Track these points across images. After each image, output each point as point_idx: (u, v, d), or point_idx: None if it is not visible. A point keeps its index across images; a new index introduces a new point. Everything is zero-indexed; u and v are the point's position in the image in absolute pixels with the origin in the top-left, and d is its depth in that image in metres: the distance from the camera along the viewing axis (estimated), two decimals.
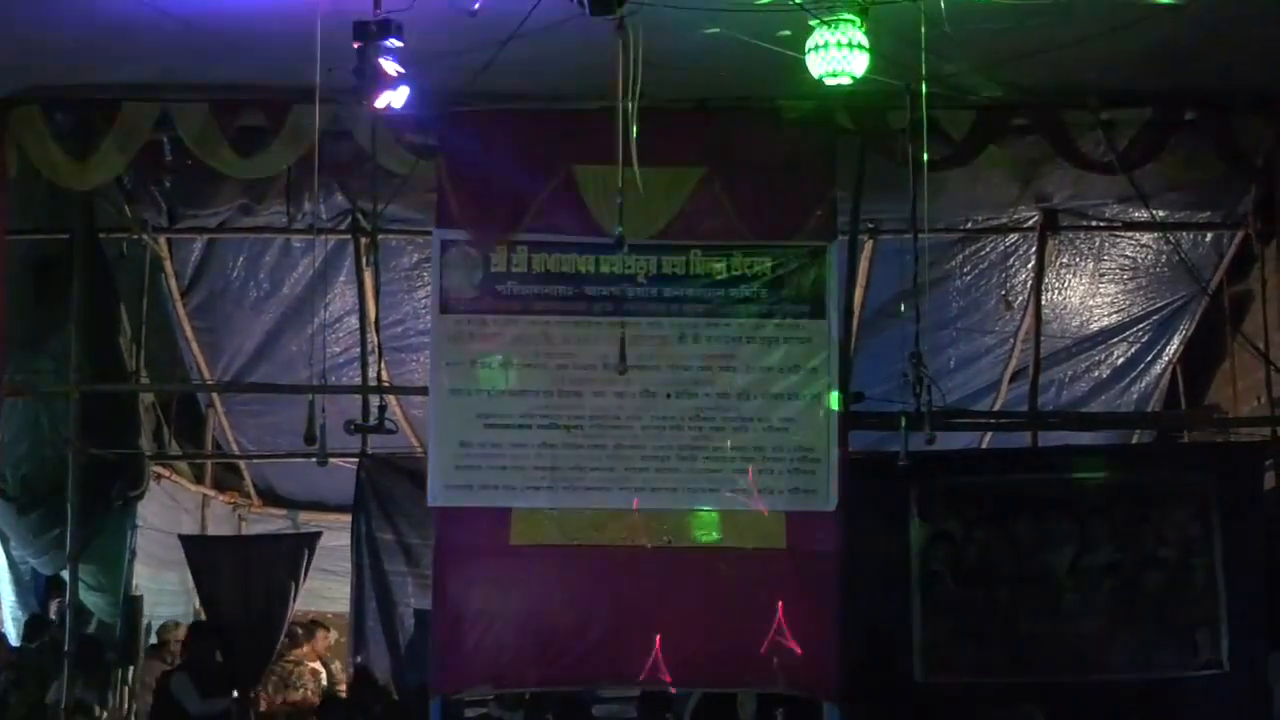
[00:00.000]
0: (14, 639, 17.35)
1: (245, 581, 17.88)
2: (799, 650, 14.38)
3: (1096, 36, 12.87)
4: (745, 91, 14.49)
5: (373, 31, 11.60)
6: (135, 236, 17.64)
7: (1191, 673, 15.75)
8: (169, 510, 20.06)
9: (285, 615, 17.83)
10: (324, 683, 18.57)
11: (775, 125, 14.83)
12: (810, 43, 12.17)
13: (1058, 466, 16.50)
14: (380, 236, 17.05)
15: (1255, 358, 17.80)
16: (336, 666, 19.14)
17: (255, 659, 17.31)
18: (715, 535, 14.73)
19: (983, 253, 18.46)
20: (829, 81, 12.35)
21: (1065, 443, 17.64)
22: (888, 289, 17.56)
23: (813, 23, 12.12)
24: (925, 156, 13.57)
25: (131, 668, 17.97)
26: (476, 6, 11.62)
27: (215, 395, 20.44)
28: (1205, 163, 15.57)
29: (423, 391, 15.81)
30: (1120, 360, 19.83)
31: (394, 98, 11.94)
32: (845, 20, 12.02)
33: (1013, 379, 19.62)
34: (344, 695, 17.58)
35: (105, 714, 16.72)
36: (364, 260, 17.88)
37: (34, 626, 17.24)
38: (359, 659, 18.05)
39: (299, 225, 17.47)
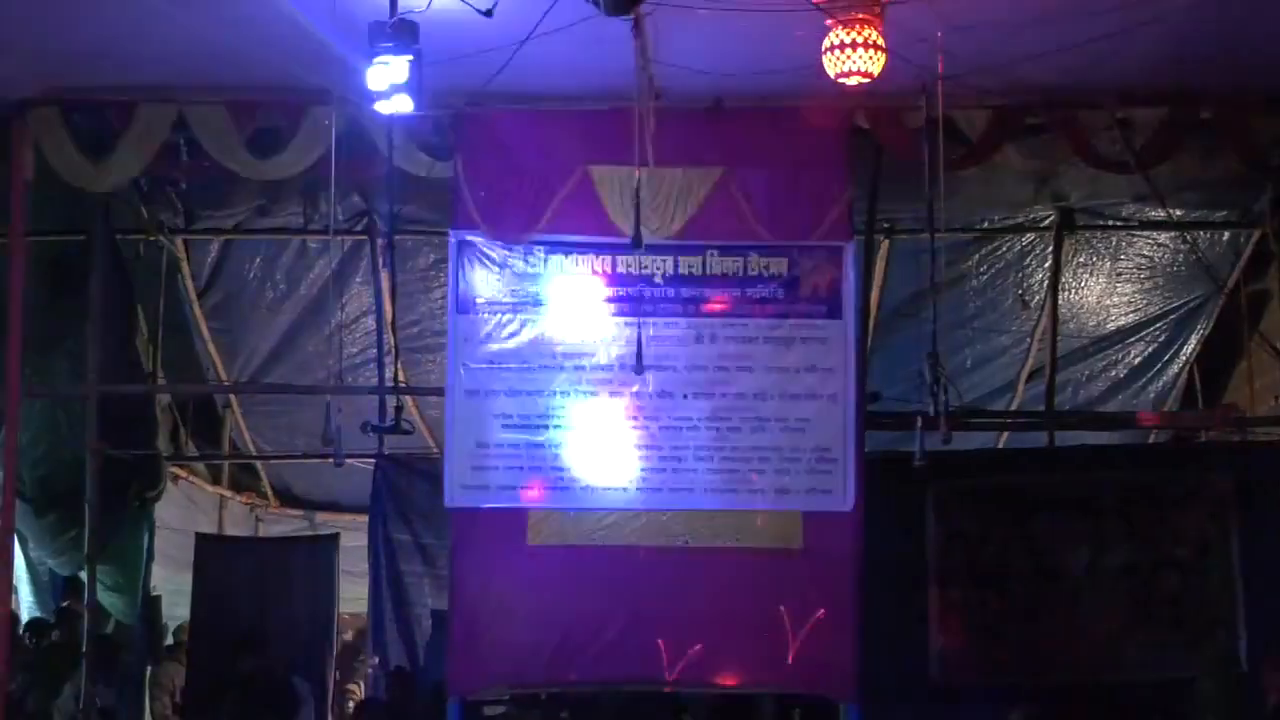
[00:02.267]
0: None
1: (261, 582, 17.95)
2: (816, 651, 14.38)
3: (1112, 35, 12.85)
4: (761, 92, 14.46)
5: (388, 33, 11.62)
6: (152, 238, 17.69)
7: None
8: (186, 511, 20.14)
9: (330, 617, 17.93)
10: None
11: (791, 125, 14.80)
12: (826, 43, 12.17)
13: (1074, 466, 16.49)
14: (397, 237, 17.07)
15: (1273, 357, 17.81)
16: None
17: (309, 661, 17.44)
18: (732, 535, 14.70)
19: (999, 252, 18.46)
20: (845, 81, 12.35)
21: (1082, 443, 17.62)
22: (904, 289, 17.60)
23: (829, 23, 12.12)
24: (941, 156, 13.55)
25: (149, 668, 18.02)
26: (491, 7, 11.59)
27: (232, 396, 20.51)
28: (1222, 161, 15.53)
29: (439, 392, 15.79)
30: (1137, 360, 19.82)
31: (408, 101, 11.97)
32: (862, 20, 12.01)
33: (1029, 379, 19.60)
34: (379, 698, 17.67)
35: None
36: (380, 261, 17.90)
37: (38, 629, 17.28)
38: (377, 660, 18.09)
39: (315, 226, 17.50)
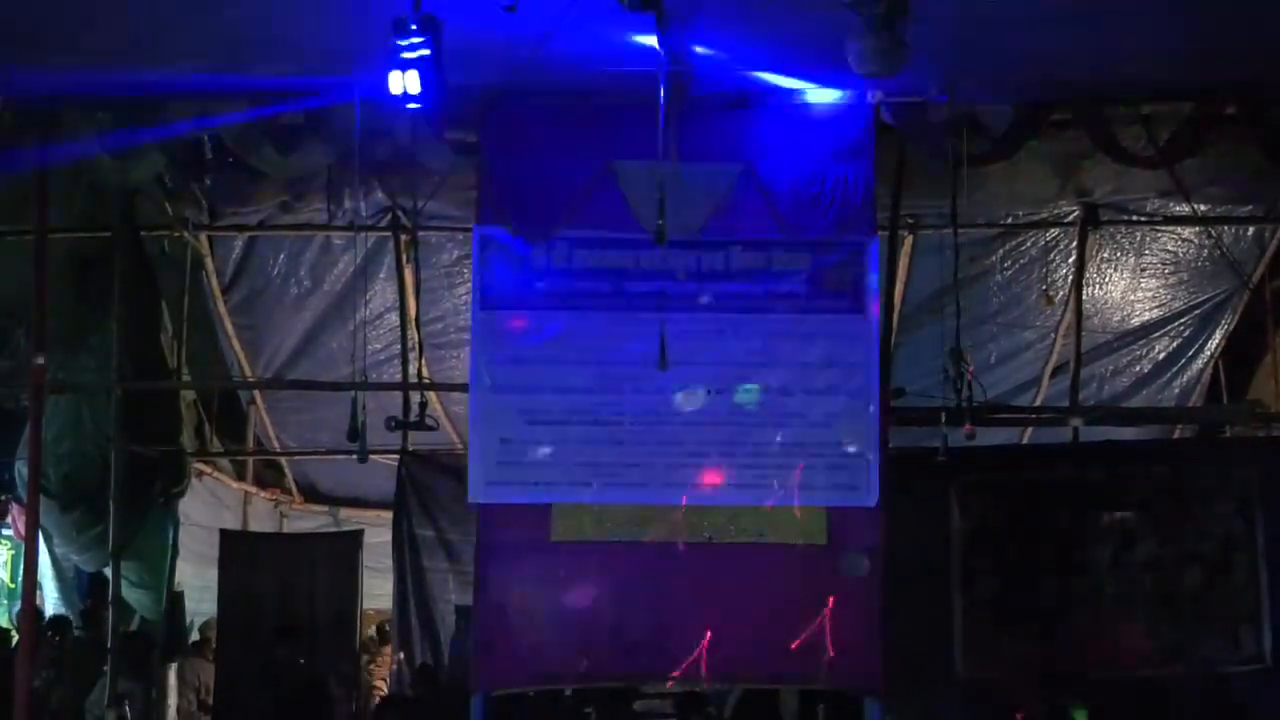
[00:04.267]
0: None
1: (285, 578, 17.99)
2: (841, 646, 14.36)
3: (1137, 31, 12.83)
4: (785, 87, 14.46)
5: (412, 28, 11.63)
6: (176, 234, 17.73)
7: (1233, 668, 15.71)
8: (211, 507, 20.20)
9: (354, 613, 17.96)
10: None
11: (815, 121, 14.80)
12: (851, 38, 12.14)
13: (1099, 462, 16.47)
14: (420, 233, 17.10)
15: None
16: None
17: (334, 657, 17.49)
18: (756, 532, 14.68)
19: (1023, 248, 18.44)
20: (869, 77, 12.33)
21: (1106, 438, 17.61)
22: (928, 284, 17.58)
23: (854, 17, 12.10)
24: (965, 151, 13.53)
25: (173, 665, 18.06)
26: (514, 2, 11.59)
27: (256, 392, 20.56)
28: (1246, 156, 15.50)
29: (463, 388, 15.82)
30: (1162, 355, 19.79)
31: (430, 97, 11.99)
32: (886, 15, 11.98)
33: (1053, 374, 19.60)
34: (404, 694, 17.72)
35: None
36: (404, 257, 17.93)
37: (60, 626, 17.33)
38: (402, 655, 18.13)
39: (339, 222, 17.50)
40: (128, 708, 15.90)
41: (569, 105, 14.73)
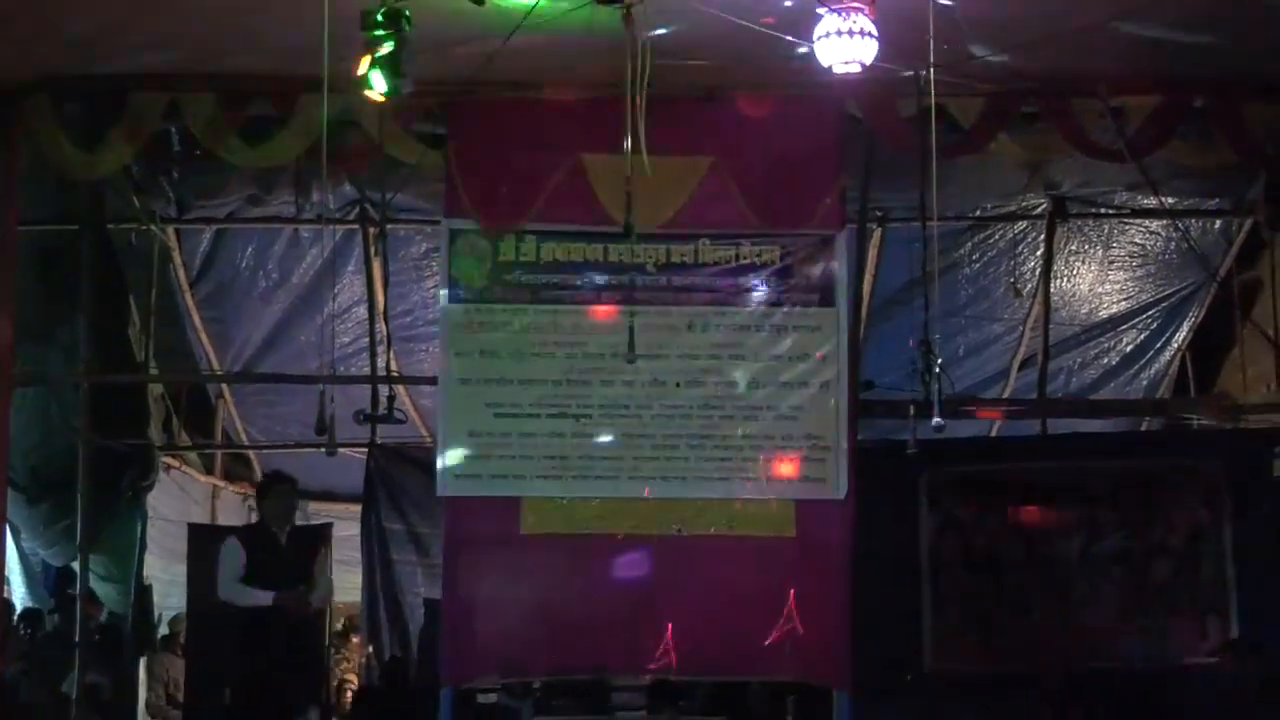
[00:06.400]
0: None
1: None
2: (809, 639, 14.37)
3: (1106, 23, 12.83)
4: (754, 79, 14.44)
5: (379, 20, 11.59)
6: (144, 227, 17.65)
7: (1201, 660, 15.75)
8: (179, 501, 20.15)
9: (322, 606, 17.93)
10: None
11: (784, 114, 14.77)
12: (819, 30, 12.12)
13: (1067, 454, 16.50)
14: (389, 226, 17.06)
15: (1265, 345, 17.79)
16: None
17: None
18: (725, 524, 14.67)
19: (991, 240, 18.48)
20: (838, 69, 12.30)
21: (1074, 430, 17.63)
22: (897, 277, 17.60)
23: (821, 10, 12.08)
24: (934, 144, 13.51)
25: (142, 659, 18.01)
26: None
27: (224, 386, 20.51)
28: (1214, 150, 15.47)
29: (431, 381, 15.80)
30: (1129, 347, 19.85)
31: (399, 89, 11.94)
32: (854, 7, 11.97)
33: (1022, 366, 19.65)
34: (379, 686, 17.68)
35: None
36: (372, 250, 17.90)
37: (32, 619, 17.29)
38: (370, 649, 18.10)
39: (307, 215, 17.45)
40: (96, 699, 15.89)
41: (537, 98, 14.71)
